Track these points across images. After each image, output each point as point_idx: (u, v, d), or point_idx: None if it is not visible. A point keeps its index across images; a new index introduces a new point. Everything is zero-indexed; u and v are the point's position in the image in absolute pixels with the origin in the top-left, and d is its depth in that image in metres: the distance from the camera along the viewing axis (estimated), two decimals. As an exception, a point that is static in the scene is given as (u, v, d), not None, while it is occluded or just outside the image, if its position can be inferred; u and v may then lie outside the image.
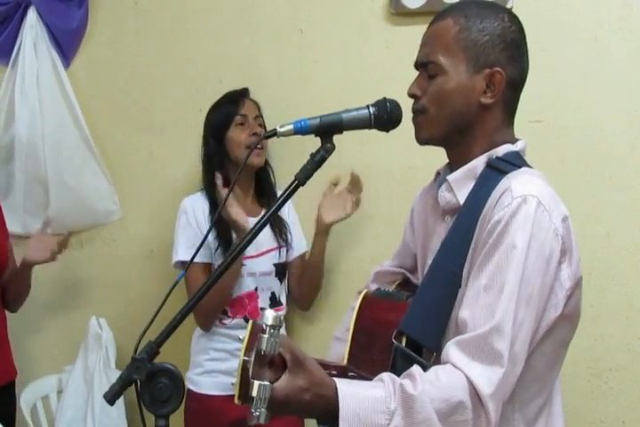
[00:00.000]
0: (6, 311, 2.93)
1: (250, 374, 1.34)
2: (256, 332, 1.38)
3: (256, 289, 2.80)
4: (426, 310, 1.57)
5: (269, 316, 1.33)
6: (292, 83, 3.04)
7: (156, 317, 1.42)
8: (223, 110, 2.85)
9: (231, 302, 2.77)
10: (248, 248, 2.63)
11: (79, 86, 3.33)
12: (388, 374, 1.44)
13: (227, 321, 2.78)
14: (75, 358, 3.17)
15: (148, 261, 3.30)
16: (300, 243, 2.96)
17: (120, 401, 1.52)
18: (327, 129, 1.54)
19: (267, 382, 1.32)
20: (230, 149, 2.81)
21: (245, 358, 1.38)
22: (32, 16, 3.28)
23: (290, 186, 1.52)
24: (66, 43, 3.33)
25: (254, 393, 1.31)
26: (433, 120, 1.61)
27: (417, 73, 1.65)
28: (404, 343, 1.55)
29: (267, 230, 2.82)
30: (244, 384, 1.36)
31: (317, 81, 3.03)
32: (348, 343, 1.67)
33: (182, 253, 2.76)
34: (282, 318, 1.36)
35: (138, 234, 3.32)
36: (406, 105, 1.62)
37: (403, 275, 1.92)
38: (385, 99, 1.57)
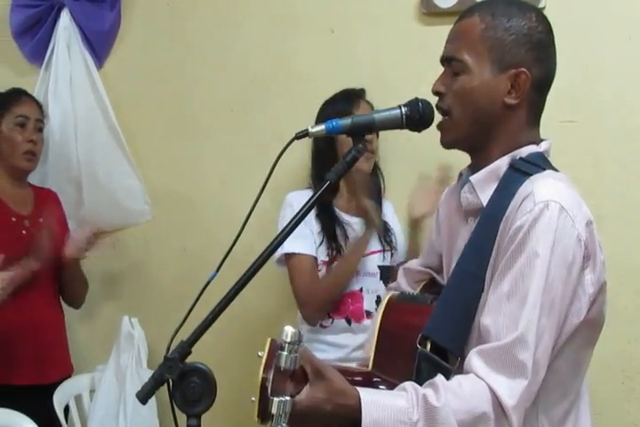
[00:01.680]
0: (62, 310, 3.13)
1: (269, 391, 1.35)
2: (275, 349, 1.39)
3: (361, 290, 2.73)
4: (450, 314, 1.57)
5: (288, 333, 1.34)
6: (323, 83, 3.04)
7: (188, 316, 1.43)
8: (337, 108, 2.73)
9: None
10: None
11: (111, 87, 3.36)
12: (411, 383, 1.44)
13: (326, 323, 2.71)
14: (107, 358, 3.19)
15: (180, 261, 3.32)
16: (403, 249, 2.88)
17: (152, 400, 1.53)
18: (359, 129, 1.54)
19: (287, 398, 1.34)
20: (340, 148, 2.70)
21: (264, 375, 1.39)
22: (65, 18, 3.32)
23: (322, 185, 1.52)
24: (98, 44, 3.37)
25: (274, 410, 1.33)
26: (457, 122, 1.60)
27: (447, 72, 1.65)
28: (428, 348, 1.54)
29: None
30: (264, 402, 1.37)
31: (349, 81, 3.02)
32: (373, 348, 1.66)
33: (288, 245, 2.64)
34: (301, 334, 1.36)
35: (170, 233, 3.34)
36: (437, 105, 1.62)
37: (429, 275, 1.91)
38: (417, 99, 1.56)
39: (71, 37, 3.33)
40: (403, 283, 1.97)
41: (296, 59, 3.13)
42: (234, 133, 3.22)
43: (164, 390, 1.40)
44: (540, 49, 1.59)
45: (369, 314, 2.71)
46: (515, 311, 1.43)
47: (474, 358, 1.43)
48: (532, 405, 1.46)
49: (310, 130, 1.52)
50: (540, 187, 1.49)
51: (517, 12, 1.58)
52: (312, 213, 2.71)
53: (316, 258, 2.71)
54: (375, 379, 1.59)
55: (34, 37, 3.37)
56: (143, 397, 1.40)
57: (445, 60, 1.63)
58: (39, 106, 3.07)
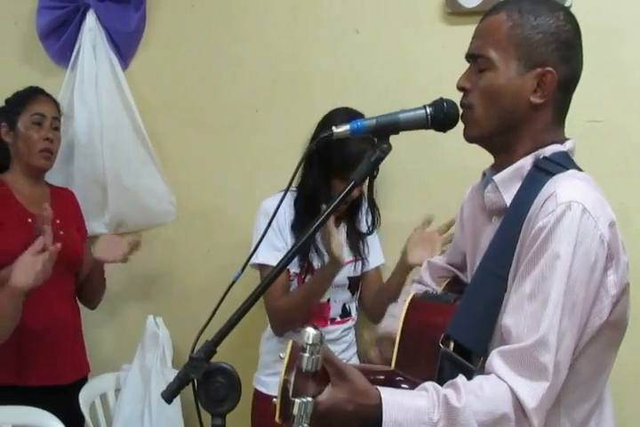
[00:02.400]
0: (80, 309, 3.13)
1: (290, 393, 1.36)
2: (296, 351, 1.39)
3: (328, 301, 2.77)
4: (473, 314, 1.56)
5: (310, 334, 1.34)
6: (347, 83, 3.04)
7: (213, 316, 1.43)
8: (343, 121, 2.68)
9: None
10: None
11: (137, 87, 3.37)
12: (432, 383, 1.44)
13: (296, 330, 2.70)
14: (132, 357, 3.20)
15: (204, 262, 3.33)
16: (376, 256, 2.90)
17: (177, 400, 1.54)
18: (384, 129, 1.54)
19: (308, 399, 1.34)
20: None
21: (285, 377, 1.40)
22: (91, 19, 3.33)
23: (346, 186, 1.52)
24: (124, 45, 3.38)
25: (295, 411, 1.33)
26: (481, 117, 1.59)
27: (472, 72, 1.64)
28: (451, 348, 1.54)
29: (344, 244, 2.77)
30: (285, 403, 1.38)
31: (373, 81, 3.02)
32: (396, 347, 1.66)
33: (262, 255, 2.66)
34: (323, 335, 1.36)
35: (194, 234, 3.35)
36: (462, 104, 1.61)
37: (452, 272, 1.91)
38: (441, 99, 1.56)
39: (97, 38, 3.34)
40: (426, 276, 1.97)
41: (321, 59, 3.13)
42: (258, 134, 3.22)
43: (188, 389, 1.41)
44: (567, 48, 1.58)
45: (333, 320, 2.79)
46: (536, 313, 1.42)
47: (495, 359, 1.43)
48: (554, 406, 1.46)
49: (335, 131, 1.53)
50: (562, 187, 1.48)
51: (545, 11, 1.57)
52: (287, 224, 2.74)
53: (288, 270, 2.72)
54: (397, 378, 1.59)
55: (60, 39, 3.38)
56: (168, 396, 1.41)
57: (471, 57, 1.62)
58: (56, 104, 3.07)
